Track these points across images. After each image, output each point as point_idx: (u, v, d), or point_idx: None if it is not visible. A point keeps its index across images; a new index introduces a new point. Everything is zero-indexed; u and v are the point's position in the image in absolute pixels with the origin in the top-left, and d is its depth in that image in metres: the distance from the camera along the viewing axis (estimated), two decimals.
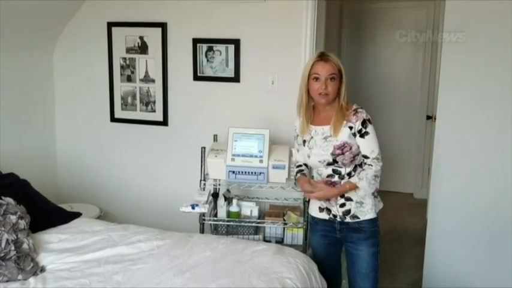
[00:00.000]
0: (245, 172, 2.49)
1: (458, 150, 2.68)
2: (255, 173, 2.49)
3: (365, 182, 2.02)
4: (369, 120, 2.04)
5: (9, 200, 2.21)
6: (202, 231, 2.66)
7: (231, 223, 2.73)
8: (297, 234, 2.70)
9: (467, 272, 2.73)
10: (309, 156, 2.13)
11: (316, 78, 2.02)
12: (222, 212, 2.73)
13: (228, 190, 2.83)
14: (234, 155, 2.51)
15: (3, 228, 2.02)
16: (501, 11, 2.48)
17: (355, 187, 2.05)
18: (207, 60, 3.07)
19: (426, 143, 4.79)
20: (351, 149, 2.03)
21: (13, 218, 2.11)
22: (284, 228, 2.70)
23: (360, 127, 2.02)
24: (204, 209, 2.47)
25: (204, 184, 2.64)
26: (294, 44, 2.89)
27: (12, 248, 1.98)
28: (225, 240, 2.32)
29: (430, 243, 2.84)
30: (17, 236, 2.05)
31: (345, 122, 2.03)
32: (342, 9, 5.10)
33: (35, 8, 2.91)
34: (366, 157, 2.06)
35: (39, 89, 3.31)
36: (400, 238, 3.85)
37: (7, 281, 1.88)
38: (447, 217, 2.76)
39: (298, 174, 2.24)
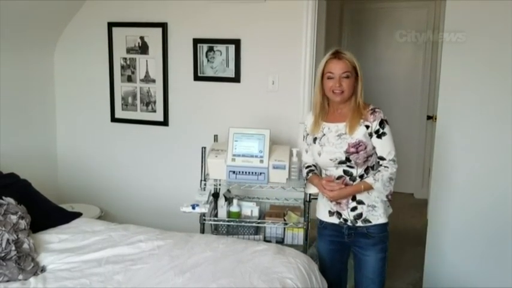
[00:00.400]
0: (245, 172, 2.49)
1: (458, 150, 2.69)
2: (256, 173, 2.49)
3: (380, 183, 1.98)
4: (386, 120, 2.00)
5: (10, 200, 2.22)
6: (202, 231, 2.65)
7: (232, 223, 2.72)
8: (297, 234, 2.70)
9: (467, 271, 2.73)
10: (319, 154, 2.05)
11: (330, 77, 1.98)
12: (222, 212, 2.73)
13: (228, 190, 2.83)
14: (234, 155, 2.51)
15: (3, 228, 2.02)
16: (501, 11, 2.48)
17: (369, 188, 2.00)
18: (208, 61, 3.07)
19: (427, 143, 4.78)
20: (365, 148, 1.98)
21: (14, 218, 2.12)
22: (284, 228, 2.70)
23: (378, 127, 1.98)
24: (204, 209, 2.47)
25: (205, 184, 2.64)
26: (295, 44, 2.90)
27: (13, 248, 1.98)
28: (226, 240, 2.32)
29: (431, 243, 2.84)
30: (17, 236, 2.05)
31: (361, 120, 1.99)
32: (343, 9, 5.10)
33: (36, 8, 2.91)
34: (382, 158, 2.01)
35: (39, 89, 3.31)
36: (401, 238, 3.85)
37: (8, 281, 1.88)
38: (447, 217, 2.76)
39: (310, 174, 2.17)
